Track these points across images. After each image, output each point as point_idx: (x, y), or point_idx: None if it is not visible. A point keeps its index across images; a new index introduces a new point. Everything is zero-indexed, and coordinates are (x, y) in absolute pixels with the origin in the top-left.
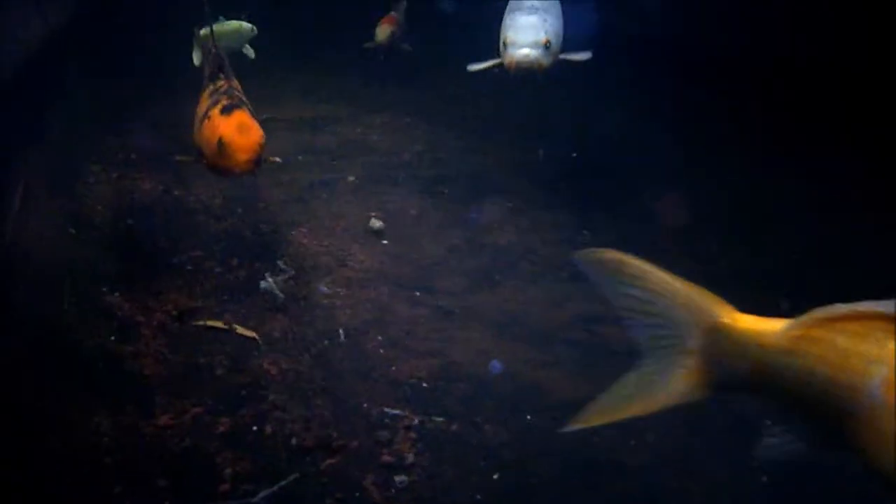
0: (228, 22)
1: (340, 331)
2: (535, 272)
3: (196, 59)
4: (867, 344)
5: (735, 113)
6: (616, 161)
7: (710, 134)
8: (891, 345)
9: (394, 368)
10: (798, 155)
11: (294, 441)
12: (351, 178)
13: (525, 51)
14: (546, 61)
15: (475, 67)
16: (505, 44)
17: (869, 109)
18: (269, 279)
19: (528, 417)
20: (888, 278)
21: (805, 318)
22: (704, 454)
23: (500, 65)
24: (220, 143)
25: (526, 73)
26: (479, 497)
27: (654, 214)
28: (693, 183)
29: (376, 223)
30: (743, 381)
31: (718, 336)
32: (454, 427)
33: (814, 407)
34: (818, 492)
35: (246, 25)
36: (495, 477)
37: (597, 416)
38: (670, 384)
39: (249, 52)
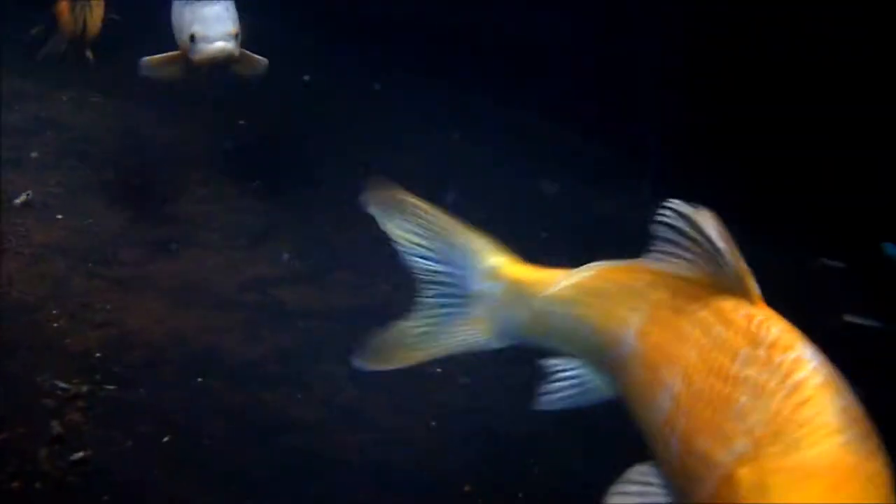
0: None
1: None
2: (214, 240)
3: None
4: (630, 295)
5: None
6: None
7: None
8: (651, 295)
9: (68, 341)
10: None
11: None
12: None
13: (220, 45)
14: (237, 53)
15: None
16: (193, 38)
17: None
18: None
19: (200, 380)
20: None
21: (583, 269)
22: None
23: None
24: None
25: (216, 68)
26: (151, 460)
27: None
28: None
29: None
30: (524, 330)
31: (499, 283)
32: (126, 394)
33: (587, 355)
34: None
35: None
36: (165, 440)
37: (383, 360)
38: (454, 332)
39: None
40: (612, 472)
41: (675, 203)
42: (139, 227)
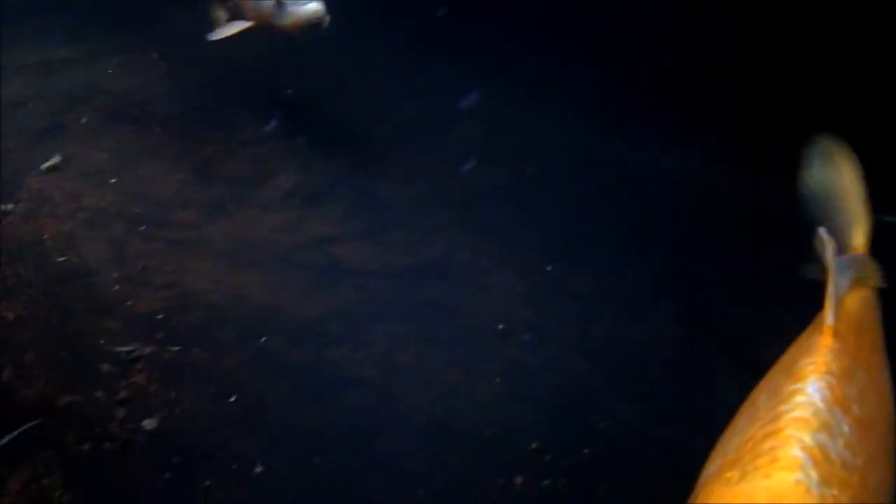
0: None
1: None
2: (270, 200)
3: None
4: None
5: None
6: None
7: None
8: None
9: (129, 303)
10: None
11: (33, 385)
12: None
13: (314, 6)
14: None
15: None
16: (281, 2)
17: None
18: None
19: (262, 340)
20: None
21: None
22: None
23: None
24: None
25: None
26: (217, 420)
27: None
28: None
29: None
30: None
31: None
32: (190, 355)
33: None
34: None
35: None
36: (232, 400)
37: None
38: None
39: None
40: (673, 427)
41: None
42: (194, 189)
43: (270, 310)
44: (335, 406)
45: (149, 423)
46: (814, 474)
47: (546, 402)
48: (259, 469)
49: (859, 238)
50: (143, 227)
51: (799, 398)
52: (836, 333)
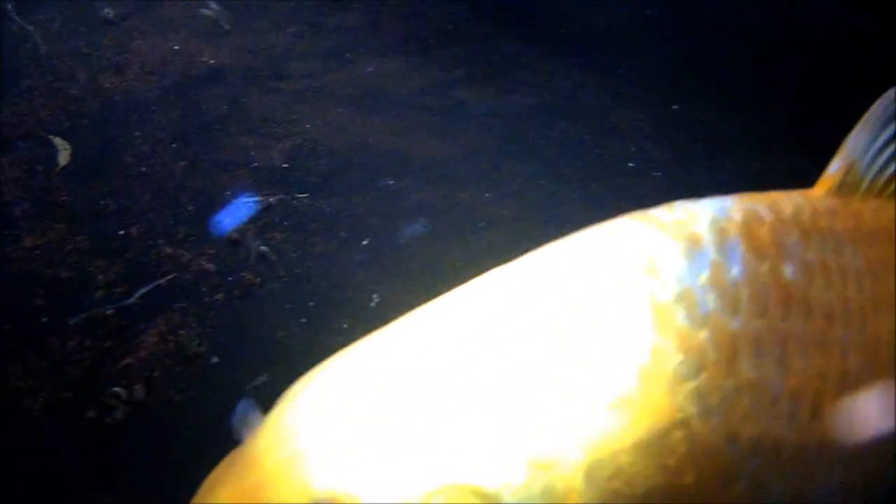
0: None
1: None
2: (387, 47)
3: None
4: None
5: None
6: None
7: None
8: None
9: (253, 154)
10: None
11: (162, 240)
12: None
13: None
14: None
15: None
16: None
17: None
18: None
19: (391, 183)
20: None
21: None
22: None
23: None
24: None
25: None
26: (351, 265)
27: None
28: None
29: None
30: None
31: None
32: (319, 202)
33: None
34: None
35: None
36: (365, 243)
37: None
38: None
39: None
40: None
41: None
42: (309, 40)
43: (397, 153)
44: (470, 245)
45: (282, 270)
46: None
47: None
48: (397, 312)
49: None
50: (260, 80)
51: None
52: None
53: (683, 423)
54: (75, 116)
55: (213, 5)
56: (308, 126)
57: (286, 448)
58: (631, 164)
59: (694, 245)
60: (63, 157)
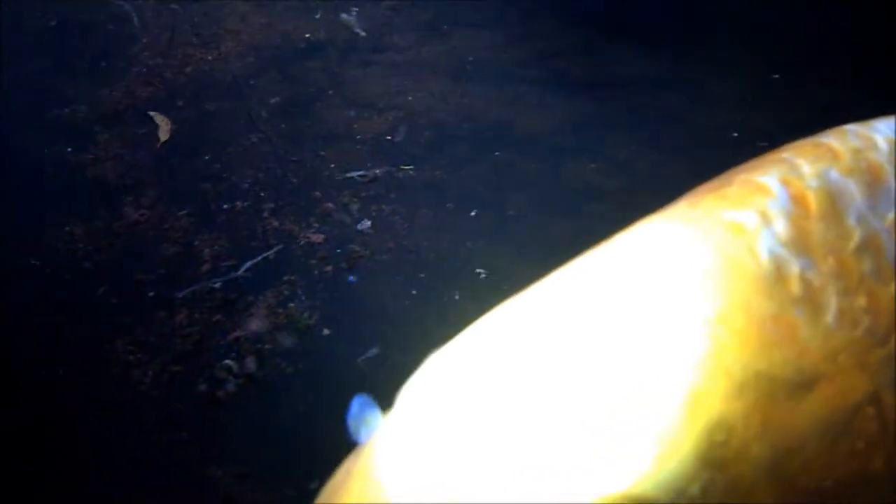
0: None
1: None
2: (485, 18)
3: None
4: None
5: None
6: None
7: None
8: None
9: (355, 126)
10: None
11: (267, 213)
12: None
13: None
14: None
15: None
16: None
17: None
18: None
19: (497, 154)
20: None
21: None
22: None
23: None
24: None
25: None
26: (459, 234)
27: None
28: None
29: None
30: None
31: None
32: (424, 173)
33: None
34: None
35: None
36: (472, 214)
37: None
38: None
39: None
40: None
41: None
42: (404, 15)
43: (502, 124)
44: (577, 217)
45: (391, 243)
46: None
47: None
48: (506, 283)
49: None
50: (358, 53)
51: None
52: None
53: (874, 398)
54: (174, 92)
55: None
56: (409, 98)
57: (411, 459)
58: (735, 134)
59: (876, 179)
60: (163, 133)
